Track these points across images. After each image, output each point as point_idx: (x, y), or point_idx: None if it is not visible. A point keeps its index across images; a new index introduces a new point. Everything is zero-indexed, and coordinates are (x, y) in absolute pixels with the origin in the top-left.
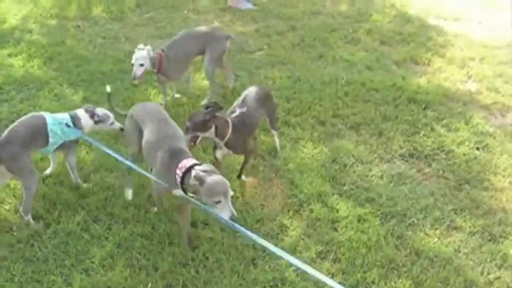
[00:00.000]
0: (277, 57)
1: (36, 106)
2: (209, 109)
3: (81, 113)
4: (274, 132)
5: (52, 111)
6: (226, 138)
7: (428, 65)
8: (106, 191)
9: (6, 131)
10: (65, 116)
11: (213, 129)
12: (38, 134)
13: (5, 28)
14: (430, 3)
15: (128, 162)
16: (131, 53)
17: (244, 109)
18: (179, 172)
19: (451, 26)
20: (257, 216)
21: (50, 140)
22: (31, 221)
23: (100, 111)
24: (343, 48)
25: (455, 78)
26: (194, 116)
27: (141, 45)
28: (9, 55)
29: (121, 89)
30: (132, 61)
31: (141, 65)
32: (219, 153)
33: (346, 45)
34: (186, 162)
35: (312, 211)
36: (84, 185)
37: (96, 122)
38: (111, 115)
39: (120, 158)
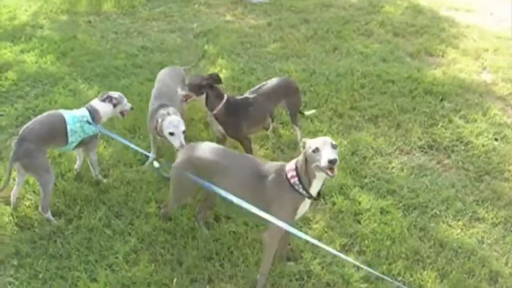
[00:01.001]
0: (291, 50)
1: (52, 102)
2: (209, 78)
3: (96, 103)
4: (296, 127)
5: (68, 107)
6: (215, 111)
7: (443, 56)
8: (126, 186)
9: (22, 129)
10: (84, 113)
11: (204, 96)
12: (56, 133)
13: (16, 24)
14: None
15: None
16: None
17: (252, 95)
18: (291, 174)
19: (463, 17)
20: None
21: (70, 139)
22: (51, 217)
23: (114, 93)
24: (357, 41)
25: (470, 70)
26: (194, 77)
27: (163, 111)
28: (22, 51)
29: (135, 84)
30: (171, 130)
31: (184, 131)
32: (213, 127)
33: (360, 38)
34: (290, 165)
35: (334, 203)
36: (105, 180)
37: (114, 106)
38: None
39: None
